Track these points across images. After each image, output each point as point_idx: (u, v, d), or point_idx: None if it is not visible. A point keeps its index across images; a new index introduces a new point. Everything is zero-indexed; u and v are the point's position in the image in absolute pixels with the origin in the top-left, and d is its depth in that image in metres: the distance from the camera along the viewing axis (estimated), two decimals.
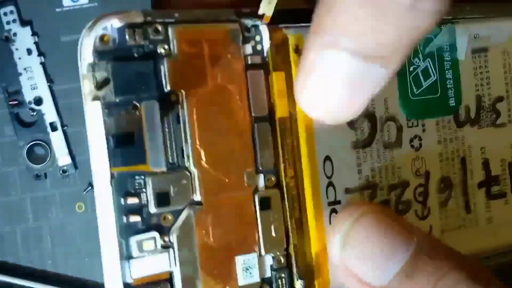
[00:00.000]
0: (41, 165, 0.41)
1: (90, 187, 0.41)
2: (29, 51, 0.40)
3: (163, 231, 0.22)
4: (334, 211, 0.26)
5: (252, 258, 0.23)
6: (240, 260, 0.23)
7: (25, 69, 0.40)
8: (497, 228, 0.31)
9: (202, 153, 0.22)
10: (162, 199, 0.22)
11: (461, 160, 0.30)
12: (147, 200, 0.22)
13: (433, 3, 0.19)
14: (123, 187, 0.22)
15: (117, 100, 0.21)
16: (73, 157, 0.41)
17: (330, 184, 0.26)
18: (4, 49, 0.40)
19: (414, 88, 0.29)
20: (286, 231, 0.24)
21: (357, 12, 0.20)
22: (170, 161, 0.22)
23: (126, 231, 0.21)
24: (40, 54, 0.40)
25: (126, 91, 0.21)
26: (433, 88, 0.29)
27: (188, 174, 0.22)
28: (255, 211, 0.24)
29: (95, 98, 0.21)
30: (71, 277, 0.42)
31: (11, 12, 0.40)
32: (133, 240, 0.21)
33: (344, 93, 0.21)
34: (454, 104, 0.30)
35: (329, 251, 0.24)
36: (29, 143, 0.40)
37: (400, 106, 0.28)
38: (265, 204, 0.24)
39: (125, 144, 0.21)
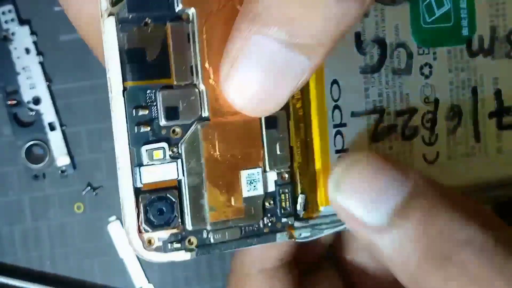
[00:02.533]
0: (40, 165, 0.41)
1: (88, 187, 0.41)
2: (27, 51, 0.40)
3: (172, 143, 0.24)
4: (339, 133, 0.27)
5: (257, 172, 0.25)
6: (244, 174, 0.25)
7: (23, 68, 0.40)
8: (507, 158, 0.31)
9: (211, 71, 0.24)
10: (171, 112, 0.23)
11: (472, 89, 0.30)
12: (158, 113, 0.23)
13: None
14: (135, 99, 0.23)
15: (130, 16, 0.23)
16: (71, 157, 0.41)
17: (337, 107, 0.26)
18: (2, 49, 0.40)
19: (426, 16, 0.29)
20: (291, 150, 0.26)
21: None
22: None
23: (137, 140, 0.23)
24: (39, 53, 0.40)
25: (138, 8, 0.23)
26: (446, 16, 0.29)
27: (197, 91, 0.24)
28: (261, 130, 0.25)
29: (110, 14, 0.22)
30: (69, 278, 0.41)
31: (9, 11, 0.40)
32: (144, 148, 0.23)
33: (267, 82, 0.21)
34: (467, 34, 0.29)
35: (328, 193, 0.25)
36: (27, 143, 0.40)
37: (411, 33, 0.28)
38: (272, 123, 0.25)
39: (138, 59, 0.23)
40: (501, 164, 0.31)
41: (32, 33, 0.40)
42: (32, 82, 0.40)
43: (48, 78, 0.40)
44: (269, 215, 0.25)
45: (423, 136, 0.29)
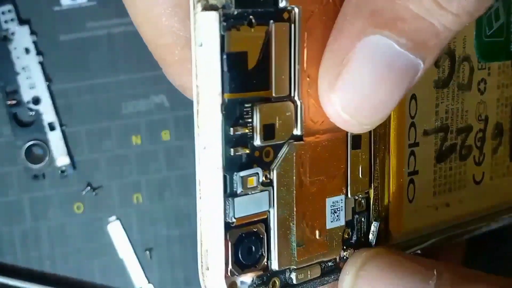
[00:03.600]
0: (39, 165, 0.40)
1: (88, 188, 0.41)
2: (27, 50, 0.40)
3: (265, 167, 0.20)
4: (412, 153, 0.24)
5: (340, 200, 0.22)
6: (329, 202, 0.22)
7: (23, 68, 0.40)
8: None
9: (308, 81, 0.20)
10: (269, 131, 0.19)
11: None
12: (253, 131, 0.19)
13: None
14: (234, 115, 0.19)
15: (236, 12, 0.18)
16: (71, 157, 0.41)
17: (412, 124, 0.24)
18: (2, 48, 0.40)
19: (486, 28, 0.27)
20: (370, 173, 0.23)
21: None
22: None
23: (232, 165, 0.19)
24: (39, 53, 0.40)
25: (247, 3, 0.18)
26: (500, 30, 0.27)
27: (292, 104, 0.20)
28: (347, 150, 0.22)
29: (209, 7, 0.18)
30: (69, 278, 0.41)
31: (9, 11, 0.40)
32: (238, 175, 0.19)
33: (382, 88, 0.19)
34: None
35: None
36: (27, 143, 0.40)
37: (474, 47, 0.27)
38: (356, 143, 0.22)
39: (240, 66, 0.18)
40: None
41: (32, 33, 0.40)
42: (32, 82, 0.40)
43: (48, 78, 0.40)
44: (345, 247, 0.22)
45: (475, 156, 0.27)
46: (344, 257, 0.22)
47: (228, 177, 0.19)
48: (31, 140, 0.40)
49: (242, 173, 0.19)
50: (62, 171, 0.41)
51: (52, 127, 0.41)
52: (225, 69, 0.18)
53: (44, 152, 0.41)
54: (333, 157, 0.21)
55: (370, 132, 0.22)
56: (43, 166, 0.41)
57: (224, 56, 0.18)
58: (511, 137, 0.29)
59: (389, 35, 0.18)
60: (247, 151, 0.19)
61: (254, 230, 0.20)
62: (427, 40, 0.18)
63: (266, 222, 0.20)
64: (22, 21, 0.40)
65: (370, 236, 0.23)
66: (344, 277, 0.21)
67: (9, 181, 0.41)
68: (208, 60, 0.18)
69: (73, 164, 0.41)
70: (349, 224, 0.22)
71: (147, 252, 0.42)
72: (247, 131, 0.19)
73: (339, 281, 0.21)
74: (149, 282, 0.42)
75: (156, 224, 0.42)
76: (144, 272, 0.42)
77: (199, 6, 0.18)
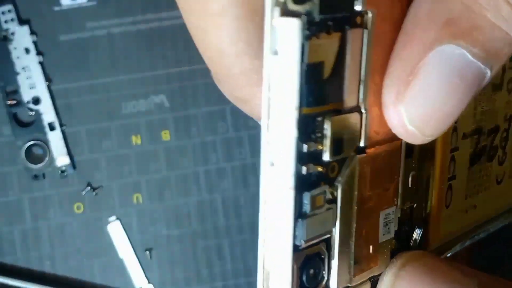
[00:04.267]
0: (39, 165, 0.40)
1: (88, 188, 0.41)
2: (27, 50, 0.40)
3: (330, 183, 0.18)
4: (452, 158, 0.23)
5: (392, 212, 0.21)
6: (383, 215, 0.20)
7: (23, 68, 0.40)
8: None
9: (375, 89, 0.19)
10: (338, 146, 0.18)
11: None
12: (323, 147, 0.18)
13: None
14: (307, 130, 0.17)
15: (319, 19, 0.17)
16: (71, 157, 0.41)
17: (455, 129, 0.23)
18: (2, 48, 0.40)
19: None
20: (417, 181, 0.22)
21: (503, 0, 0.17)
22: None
23: (302, 184, 0.17)
24: (39, 53, 0.40)
25: (330, 8, 0.17)
26: None
27: (359, 115, 0.18)
28: (400, 160, 0.21)
29: (290, 13, 0.16)
30: (69, 278, 0.41)
31: (9, 11, 0.40)
32: (308, 195, 0.17)
33: (451, 99, 0.18)
34: None
35: None
36: (27, 143, 0.40)
37: None
38: (409, 151, 0.21)
39: (317, 78, 0.17)
40: None
41: (32, 33, 0.40)
42: (31, 82, 0.40)
43: (48, 78, 0.40)
44: (391, 259, 0.21)
45: (499, 156, 0.27)
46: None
47: (298, 196, 0.17)
48: (31, 140, 0.40)
49: (312, 192, 0.18)
50: (62, 171, 0.41)
51: (52, 127, 0.41)
52: (304, 81, 0.17)
53: (44, 152, 0.41)
54: (389, 167, 0.20)
55: None
56: (43, 166, 0.41)
57: (304, 68, 0.16)
58: None
59: (463, 45, 0.17)
60: (319, 169, 0.18)
61: (317, 251, 0.18)
62: (500, 50, 0.18)
63: (328, 241, 0.19)
64: (22, 21, 0.40)
65: (412, 243, 0.22)
66: (384, 277, 0.21)
67: (9, 181, 0.41)
68: (285, 70, 0.16)
69: (73, 164, 0.41)
70: (396, 234, 0.21)
71: (147, 252, 0.42)
72: (320, 147, 0.18)
73: (378, 282, 0.21)
74: (149, 282, 0.42)
75: (156, 224, 0.42)
76: (144, 272, 0.42)
77: (277, 11, 0.16)
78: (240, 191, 0.42)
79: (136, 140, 0.42)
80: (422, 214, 0.22)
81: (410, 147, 0.21)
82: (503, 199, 0.27)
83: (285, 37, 0.16)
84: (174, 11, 0.41)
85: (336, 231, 0.19)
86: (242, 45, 0.20)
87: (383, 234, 0.20)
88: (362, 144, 0.19)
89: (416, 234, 0.22)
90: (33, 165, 0.40)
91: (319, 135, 0.18)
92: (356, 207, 0.19)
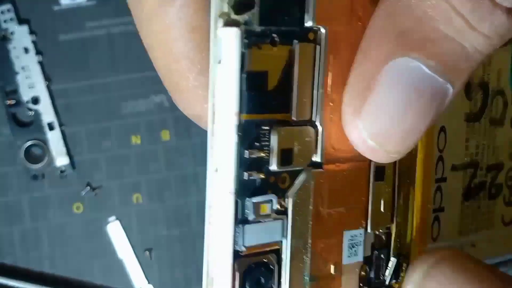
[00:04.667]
0: (39, 165, 0.40)
1: (88, 188, 0.41)
2: (26, 50, 0.40)
3: (279, 194, 0.18)
4: (439, 188, 0.23)
5: (359, 234, 0.20)
6: (347, 236, 0.20)
7: (22, 68, 0.40)
8: None
9: (331, 105, 0.19)
10: (286, 156, 0.18)
11: None
12: (270, 156, 0.18)
13: None
14: (250, 137, 0.18)
15: (259, 29, 0.17)
16: (71, 157, 0.41)
17: (440, 158, 0.23)
18: (1, 48, 0.40)
19: None
20: (393, 207, 0.21)
21: (453, 5, 0.17)
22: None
23: (244, 190, 0.18)
24: (38, 53, 0.40)
25: (271, 20, 0.17)
26: None
27: (313, 129, 0.19)
28: (369, 182, 0.21)
29: (230, 23, 0.17)
30: (69, 279, 0.41)
31: (8, 10, 0.40)
32: (251, 201, 0.18)
33: (410, 114, 0.18)
34: None
35: None
36: (26, 143, 0.40)
37: (509, 80, 0.26)
38: (380, 174, 0.21)
39: (259, 86, 0.17)
40: None
41: (31, 32, 0.40)
42: (31, 81, 0.40)
43: (47, 78, 0.40)
44: (361, 284, 0.21)
45: (505, 196, 0.26)
46: None
47: (240, 202, 0.18)
48: (30, 140, 0.40)
49: (255, 199, 0.18)
50: (62, 171, 0.41)
51: (51, 127, 0.41)
52: (244, 88, 0.17)
53: (44, 152, 0.40)
54: (354, 188, 0.20)
55: (395, 164, 0.21)
56: (42, 166, 0.40)
57: (244, 75, 0.17)
58: None
59: (417, 57, 0.17)
60: (262, 176, 0.18)
61: (265, 260, 0.18)
62: (457, 63, 0.17)
63: (278, 253, 0.19)
64: (21, 21, 0.40)
65: (386, 273, 0.22)
66: (411, 274, 0.20)
67: (9, 181, 0.41)
68: (226, 78, 0.17)
69: (72, 164, 0.41)
70: (367, 260, 0.21)
71: (147, 252, 0.42)
72: (263, 154, 0.18)
73: (405, 280, 0.20)
74: (149, 283, 0.42)
75: (156, 224, 0.42)
76: (144, 273, 0.42)
77: (220, 22, 0.17)
78: None
79: (135, 140, 0.41)
80: (402, 244, 0.22)
81: (380, 170, 0.21)
82: None
83: (226, 45, 0.17)
84: None
85: (288, 243, 0.19)
86: (186, 62, 0.20)
87: (348, 256, 0.20)
88: (318, 159, 0.19)
89: (391, 262, 0.22)
90: (33, 165, 0.40)
91: (266, 143, 0.18)
92: (311, 222, 0.19)
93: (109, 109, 0.41)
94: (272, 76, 0.18)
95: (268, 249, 0.18)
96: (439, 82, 0.18)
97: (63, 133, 0.41)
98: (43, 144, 0.40)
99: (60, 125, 0.41)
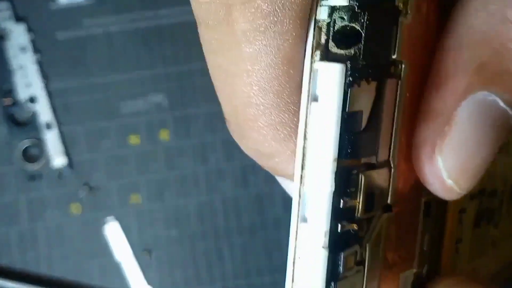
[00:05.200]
0: (36, 165, 0.40)
1: (86, 188, 0.41)
2: (23, 49, 0.40)
3: (360, 243, 0.17)
4: (460, 220, 0.22)
5: (410, 275, 0.19)
6: (402, 279, 0.19)
7: (19, 67, 0.40)
8: None
9: (404, 144, 0.18)
10: (370, 201, 0.17)
11: None
12: (358, 203, 0.17)
13: None
14: (344, 184, 0.16)
15: (361, 65, 0.16)
16: (68, 157, 0.41)
17: None
18: None
19: None
20: (438, 245, 0.21)
21: None
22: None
23: (338, 243, 0.16)
24: (35, 51, 0.40)
25: (373, 55, 0.16)
26: None
27: (388, 171, 0.17)
28: (420, 220, 0.19)
29: (333, 57, 0.16)
30: (66, 280, 0.41)
31: (6, 8, 0.40)
32: (342, 255, 0.16)
33: (483, 149, 0.17)
34: None
35: None
36: (23, 143, 0.40)
37: None
38: (428, 210, 0.20)
39: (356, 128, 0.16)
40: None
41: (29, 31, 0.40)
42: (28, 80, 0.40)
43: (44, 77, 0.40)
44: None
45: (495, 219, 0.26)
46: None
47: (331, 257, 0.16)
48: (27, 140, 0.40)
49: (346, 253, 0.16)
50: (59, 171, 0.41)
51: (48, 127, 0.40)
52: (343, 130, 0.16)
53: (41, 152, 0.40)
54: (409, 227, 0.19)
55: (437, 201, 0.20)
56: (39, 166, 0.40)
57: (345, 116, 0.16)
58: None
59: (496, 91, 0.17)
60: (355, 227, 0.16)
61: None
62: None
63: None
64: (18, 19, 0.40)
65: None
66: None
67: (5, 181, 0.40)
68: (324, 118, 0.16)
69: (70, 164, 0.41)
70: None
71: (146, 253, 0.42)
72: (356, 203, 0.16)
73: None
74: (148, 284, 0.42)
75: (155, 225, 0.42)
76: (143, 274, 0.42)
77: (318, 55, 0.16)
78: (240, 192, 0.42)
79: (134, 139, 0.41)
80: (432, 279, 0.21)
81: (428, 206, 0.20)
82: (498, 262, 0.27)
83: (327, 82, 0.16)
84: (173, 8, 0.41)
85: None
86: (272, 96, 0.18)
87: None
88: (389, 201, 0.18)
89: None
90: (30, 165, 0.40)
91: (353, 189, 0.16)
92: (380, 271, 0.18)
93: (108, 109, 0.41)
94: (364, 116, 0.16)
95: None
96: (509, 115, 0.17)
97: (60, 133, 0.41)
98: (41, 143, 0.40)
99: (58, 124, 0.40)
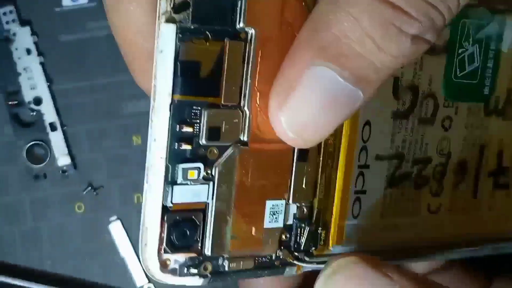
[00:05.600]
0: (40, 165, 0.41)
1: (89, 187, 0.41)
2: (28, 51, 0.40)
3: (207, 163, 0.23)
4: (361, 174, 0.27)
5: (280, 204, 0.24)
6: (269, 204, 0.24)
7: (24, 69, 0.40)
8: (497, 216, 0.32)
9: (258, 95, 0.23)
10: (214, 133, 0.22)
11: (480, 147, 0.30)
12: (200, 132, 0.22)
13: (432, 34, 0.21)
14: (181, 114, 0.22)
15: (192, 27, 0.21)
16: (72, 157, 0.41)
17: (364, 148, 0.27)
18: (3, 49, 0.40)
19: (458, 70, 0.29)
20: (315, 185, 0.25)
21: (365, 30, 0.20)
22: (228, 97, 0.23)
23: (175, 157, 0.22)
24: (40, 54, 0.40)
25: (203, 20, 0.21)
26: (473, 73, 0.30)
27: (241, 113, 0.23)
28: (292, 161, 0.24)
29: (170, 20, 0.21)
30: (70, 278, 0.41)
31: (11, 12, 0.40)
32: (180, 167, 0.22)
33: (322, 112, 0.21)
34: (487, 93, 0.30)
35: None
36: (28, 143, 0.40)
37: (441, 85, 0.29)
38: (303, 156, 0.25)
39: (191, 73, 0.22)
40: (491, 222, 0.31)
41: (33, 33, 0.40)
42: (33, 82, 0.40)
43: (49, 79, 0.40)
44: (282, 247, 0.25)
45: (431, 187, 0.29)
46: (280, 256, 0.25)
47: (170, 167, 0.22)
48: (32, 140, 0.40)
49: (184, 166, 0.22)
50: (63, 171, 0.41)
51: (53, 127, 0.41)
52: (177, 74, 0.21)
53: (45, 152, 0.41)
54: (279, 165, 0.24)
55: (319, 148, 0.25)
56: (44, 166, 0.41)
57: (178, 63, 0.21)
58: (476, 176, 0.31)
59: (333, 67, 0.21)
60: (190, 147, 0.22)
61: (191, 217, 0.22)
62: (367, 75, 0.21)
63: (204, 212, 0.23)
64: (23, 22, 0.40)
65: (302, 239, 0.25)
66: (319, 277, 0.23)
67: (10, 181, 0.41)
68: (165, 64, 0.21)
69: (74, 164, 0.41)
70: (288, 227, 0.25)
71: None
72: (191, 130, 0.22)
73: (316, 279, 0.24)
74: (149, 282, 0.42)
75: None
76: (145, 272, 0.42)
77: (163, 18, 0.21)
78: None
79: (136, 140, 0.42)
80: (323, 217, 0.26)
81: (303, 152, 0.25)
82: (443, 230, 0.30)
83: (165, 38, 0.21)
84: None
85: (212, 204, 0.23)
86: (140, 49, 0.27)
87: (269, 222, 0.24)
88: (244, 138, 0.23)
89: (306, 230, 0.25)
90: (34, 165, 0.40)
91: (197, 121, 0.22)
92: (235, 190, 0.23)
93: (110, 109, 0.41)
94: (205, 66, 0.22)
95: (195, 208, 0.22)
96: (351, 89, 0.21)
97: (64, 133, 0.41)
98: (45, 144, 0.41)
99: (62, 125, 0.41)
